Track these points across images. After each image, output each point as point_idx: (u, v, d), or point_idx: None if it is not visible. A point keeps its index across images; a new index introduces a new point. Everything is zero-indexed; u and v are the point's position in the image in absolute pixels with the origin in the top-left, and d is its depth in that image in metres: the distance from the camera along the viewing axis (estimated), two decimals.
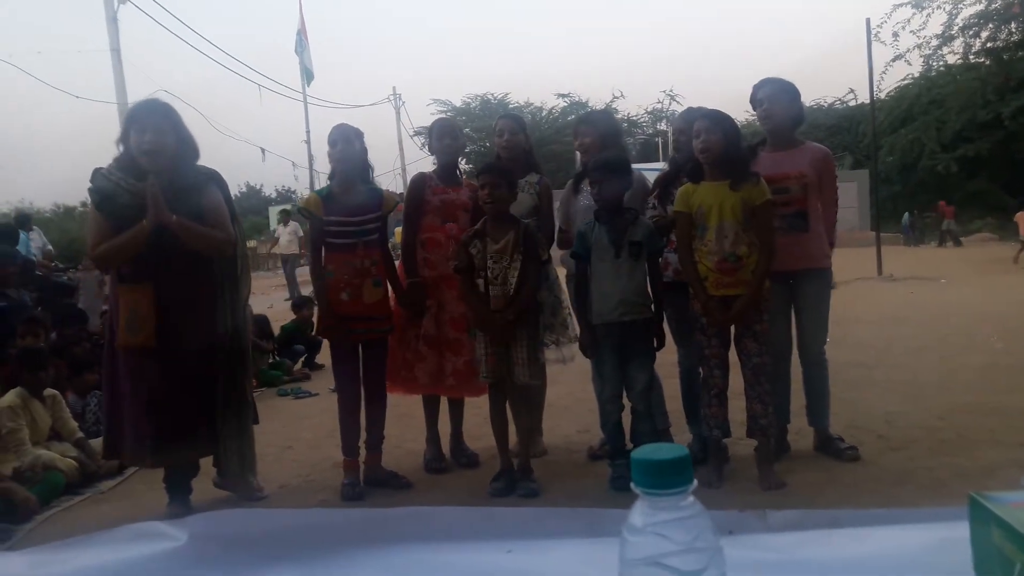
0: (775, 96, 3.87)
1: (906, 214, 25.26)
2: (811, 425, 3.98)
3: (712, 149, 3.48)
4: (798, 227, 3.79)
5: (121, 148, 3.39)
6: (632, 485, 0.55)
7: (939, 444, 3.95)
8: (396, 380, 4.08)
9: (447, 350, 4.02)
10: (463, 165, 4.96)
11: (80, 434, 4.57)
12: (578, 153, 4.12)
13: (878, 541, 0.83)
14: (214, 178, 3.56)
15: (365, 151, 3.97)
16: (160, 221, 3.25)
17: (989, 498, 0.71)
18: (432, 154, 4.38)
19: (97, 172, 3.39)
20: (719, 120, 3.53)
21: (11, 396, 4.37)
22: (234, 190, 7.64)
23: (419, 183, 4.17)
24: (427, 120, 39.95)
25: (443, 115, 36.96)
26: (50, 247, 11.37)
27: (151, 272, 3.31)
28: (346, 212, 3.81)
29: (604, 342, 3.67)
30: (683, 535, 0.53)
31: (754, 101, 3.96)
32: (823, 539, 0.84)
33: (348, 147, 3.88)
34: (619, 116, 38.99)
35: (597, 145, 4.00)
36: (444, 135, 4.25)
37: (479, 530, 0.91)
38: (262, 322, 7.19)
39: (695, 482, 0.55)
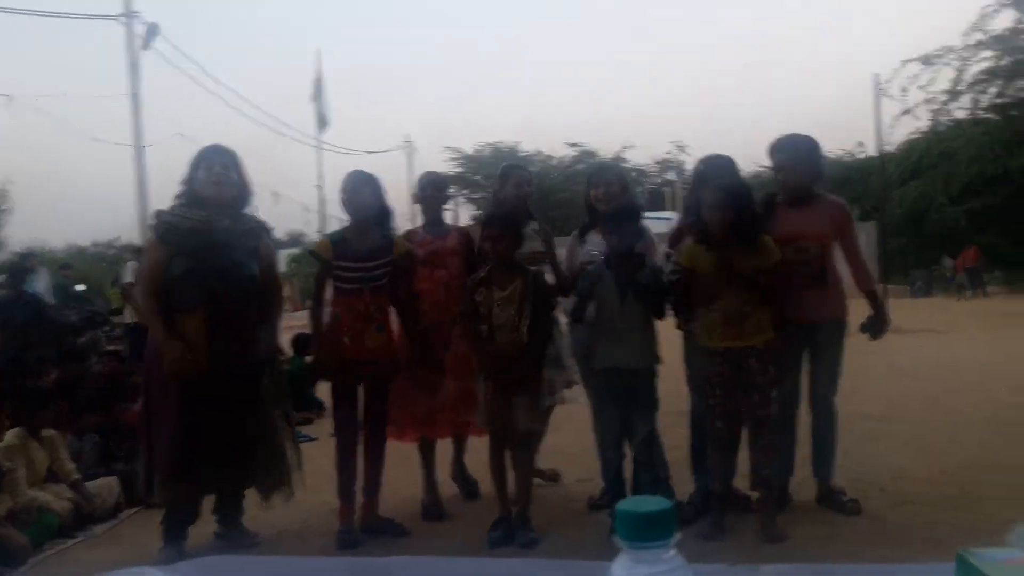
0: (794, 154, 3.86)
1: (917, 280, 24.99)
2: (815, 476, 3.93)
3: (721, 223, 3.48)
4: (816, 282, 3.77)
5: (184, 187, 3.61)
6: (614, 538, 0.53)
7: (943, 499, 3.89)
8: (389, 427, 4.08)
9: (434, 393, 4.07)
10: (473, 211, 5.05)
11: (77, 475, 4.53)
12: (591, 203, 4.13)
13: None
14: (268, 229, 3.86)
15: (380, 197, 4.00)
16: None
17: (976, 556, 0.70)
18: (416, 203, 4.46)
19: (160, 211, 3.68)
20: (730, 194, 3.54)
21: (10, 437, 4.35)
22: None
23: (405, 240, 4.21)
24: (439, 167, 40.55)
25: (453, 167, 37.55)
26: (80, 287, 11.46)
27: (203, 301, 3.46)
28: (355, 257, 3.84)
29: (607, 388, 3.66)
30: None
31: (773, 157, 3.94)
32: None
33: (359, 192, 3.92)
34: (628, 166, 39.44)
35: (616, 195, 4.05)
36: (427, 187, 4.38)
37: None
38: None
39: (677, 535, 0.53)
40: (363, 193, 3.92)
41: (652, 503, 0.54)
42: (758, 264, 3.49)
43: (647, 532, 0.53)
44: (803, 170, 3.85)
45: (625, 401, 3.67)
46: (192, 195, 3.58)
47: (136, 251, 11.00)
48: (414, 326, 4.00)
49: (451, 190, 4.70)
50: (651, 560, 0.53)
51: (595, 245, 3.94)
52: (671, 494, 3.63)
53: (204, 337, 3.44)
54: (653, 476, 3.64)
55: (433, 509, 4.16)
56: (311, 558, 1.06)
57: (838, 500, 3.82)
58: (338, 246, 3.89)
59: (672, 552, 0.53)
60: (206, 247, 3.47)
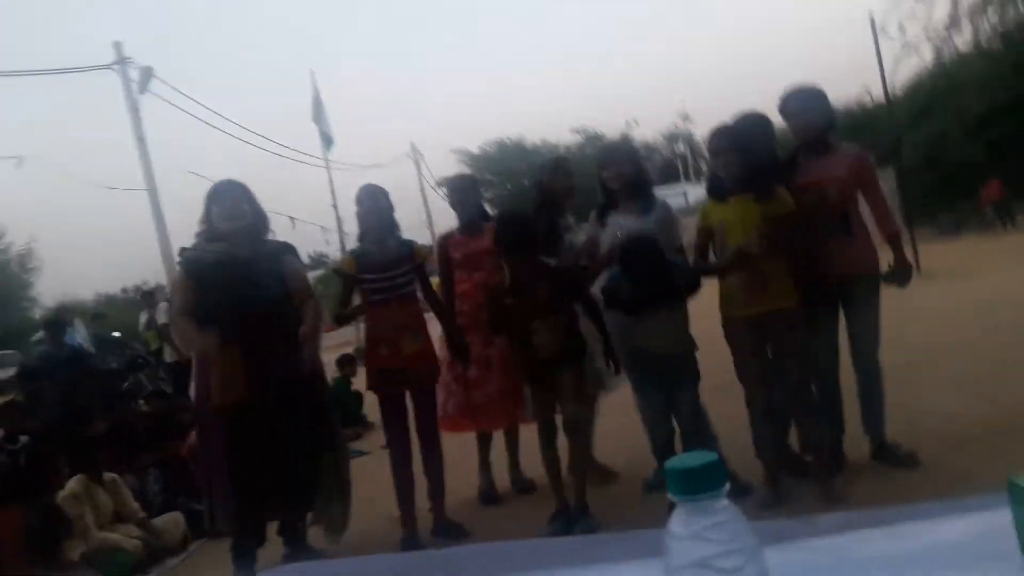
0: (803, 104, 3.81)
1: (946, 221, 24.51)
2: (867, 434, 3.88)
3: (732, 167, 3.50)
4: (840, 232, 3.72)
5: (202, 226, 3.72)
6: (668, 494, 0.59)
7: (997, 437, 3.83)
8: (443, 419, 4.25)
9: (472, 387, 4.19)
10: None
11: (142, 514, 4.67)
12: (605, 184, 4.15)
13: (926, 534, 0.84)
14: (289, 248, 3.91)
15: (391, 208, 4.09)
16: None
17: None
18: (451, 207, 4.53)
19: (183, 248, 3.85)
20: (739, 136, 3.55)
21: (72, 485, 4.50)
22: None
23: (442, 244, 4.36)
24: (447, 169, 40.61)
25: (462, 169, 37.50)
26: (116, 334, 11.75)
27: (235, 332, 3.50)
28: (380, 268, 3.92)
29: (644, 368, 3.67)
30: (723, 536, 0.57)
31: (783, 111, 3.90)
32: (873, 538, 0.85)
33: (375, 204, 4.01)
34: (636, 143, 39.24)
35: (628, 174, 4.06)
36: (454, 191, 4.50)
37: (533, 562, 0.94)
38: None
39: (727, 486, 0.58)
40: (379, 203, 4.02)
41: (699, 456, 0.59)
42: (773, 213, 3.45)
43: (698, 484, 0.58)
44: (814, 120, 3.80)
45: (666, 378, 3.68)
46: (211, 231, 3.69)
47: (149, 294, 11.34)
48: (449, 326, 4.08)
49: (481, 189, 4.77)
50: (705, 511, 0.58)
51: (617, 227, 3.96)
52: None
53: (241, 368, 3.50)
54: (703, 445, 3.66)
55: (489, 491, 4.32)
56: (378, 555, 1.11)
57: (894, 454, 3.78)
58: (361, 260, 3.98)
59: (725, 502, 0.58)
60: (230, 277, 3.55)
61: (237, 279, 3.55)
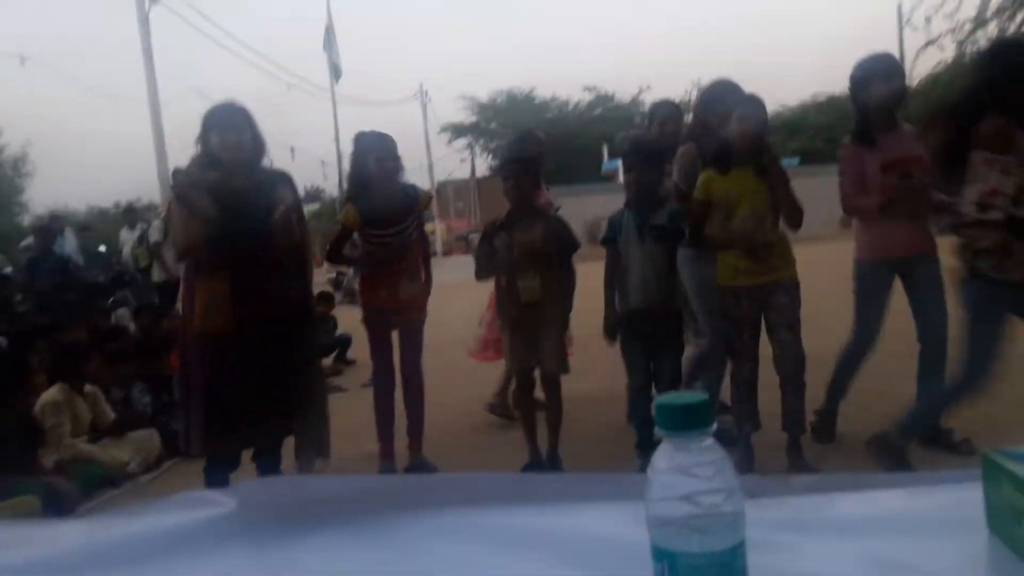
0: (888, 74, 3.67)
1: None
2: (924, 419, 3.56)
3: (757, 134, 3.43)
4: (918, 213, 3.55)
5: (199, 148, 3.57)
6: (656, 429, 0.59)
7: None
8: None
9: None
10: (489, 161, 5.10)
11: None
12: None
13: (898, 501, 0.86)
14: (285, 179, 3.76)
15: (399, 159, 4.04)
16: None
17: (1003, 453, 0.74)
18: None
19: (177, 171, 3.73)
20: (762, 105, 3.50)
21: (53, 392, 4.51)
22: None
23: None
24: (454, 116, 40.19)
25: (468, 116, 37.10)
26: (101, 248, 11.73)
27: (227, 263, 3.47)
28: (384, 223, 3.92)
29: (630, 331, 3.68)
30: (707, 472, 0.58)
31: (862, 80, 3.70)
32: (846, 500, 0.87)
33: (388, 156, 3.95)
34: (646, 109, 38.85)
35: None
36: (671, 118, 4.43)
37: (514, 494, 0.95)
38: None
39: (714, 426, 0.59)
40: (391, 155, 3.95)
41: (689, 396, 0.60)
42: (772, 183, 3.45)
43: (685, 421, 0.58)
44: (897, 91, 3.66)
45: (650, 344, 3.68)
46: (208, 156, 3.56)
47: (131, 211, 11.38)
48: None
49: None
50: (690, 448, 0.59)
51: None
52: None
53: (228, 297, 3.47)
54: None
55: (500, 408, 4.76)
56: (363, 475, 1.12)
57: (949, 440, 3.66)
58: (365, 214, 3.94)
59: (710, 441, 0.59)
60: (222, 208, 3.46)
61: (230, 210, 3.47)
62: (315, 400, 3.80)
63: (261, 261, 3.53)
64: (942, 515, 0.80)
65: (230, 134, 3.51)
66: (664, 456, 0.59)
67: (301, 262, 3.80)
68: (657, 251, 3.60)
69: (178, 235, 3.59)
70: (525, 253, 3.66)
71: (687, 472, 0.57)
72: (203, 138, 3.57)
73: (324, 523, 0.94)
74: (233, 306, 3.48)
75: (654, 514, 0.59)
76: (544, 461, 3.78)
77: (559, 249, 3.69)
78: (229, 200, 3.49)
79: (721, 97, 3.80)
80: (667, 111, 4.42)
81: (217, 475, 3.70)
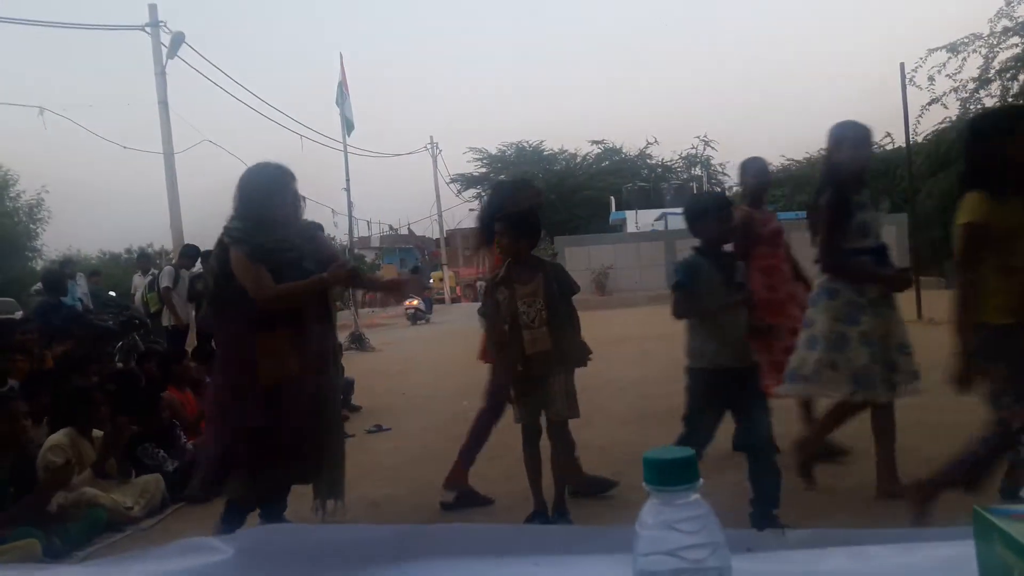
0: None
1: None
2: None
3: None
4: None
5: (248, 209, 3.64)
6: (644, 484, 0.60)
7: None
8: None
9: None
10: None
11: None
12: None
13: (891, 556, 0.86)
14: (320, 227, 4.11)
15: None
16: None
17: (992, 511, 0.74)
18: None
19: (231, 228, 3.65)
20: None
21: (60, 435, 4.51)
22: None
23: (747, 220, 4.53)
24: (464, 168, 40.64)
25: (477, 167, 37.54)
26: (112, 293, 11.86)
27: (285, 317, 3.58)
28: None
29: (712, 390, 3.39)
30: (692, 527, 0.58)
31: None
32: (839, 556, 0.87)
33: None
34: (653, 162, 39.29)
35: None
36: (761, 172, 4.88)
37: (509, 546, 0.95)
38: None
39: (700, 481, 0.60)
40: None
41: (677, 451, 0.61)
42: None
43: (672, 476, 0.59)
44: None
45: (735, 400, 3.40)
46: (263, 217, 3.63)
47: (145, 257, 11.53)
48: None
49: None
50: (677, 504, 0.60)
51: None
52: (778, 473, 3.39)
53: (291, 348, 3.55)
54: (776, 467, 3.43)
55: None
56: (361, 524, 1.12)
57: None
58: None
59: (696, 496, 0.60)
60: (284, 263, 3.59)
61: (290, 265, 3.62)
62: (341, 444, 3.85)
63: (317, 312, 3.69)
64: (935, 571, 0.80)
65: (291, 200, 3.71)
66: (651, 511, 0.60)
67: (332, 311, 3.96)
68: (741, 309, 3.43)
69: (254, 289, 3.57)
70: (528, 304, 3.67)
71: (673, 527, 0.58)
72: (266, 199, 3.65)
73: (321, 572, 0.94)
74: (293, 356, 3.56)
75: (641, 568, 0.59)
76: (548, 512, 3.74)
77: (560, 292, 3.72)
78: (289, 256, 3.63)
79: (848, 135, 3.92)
80: (759, 165, 4.86)
81: (237, 519, 3.67)
